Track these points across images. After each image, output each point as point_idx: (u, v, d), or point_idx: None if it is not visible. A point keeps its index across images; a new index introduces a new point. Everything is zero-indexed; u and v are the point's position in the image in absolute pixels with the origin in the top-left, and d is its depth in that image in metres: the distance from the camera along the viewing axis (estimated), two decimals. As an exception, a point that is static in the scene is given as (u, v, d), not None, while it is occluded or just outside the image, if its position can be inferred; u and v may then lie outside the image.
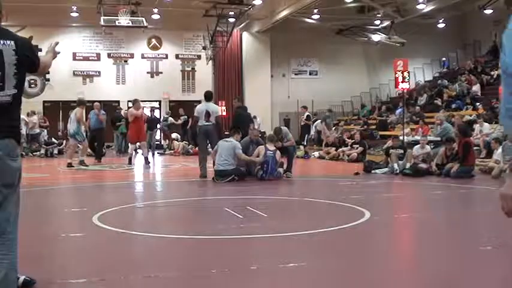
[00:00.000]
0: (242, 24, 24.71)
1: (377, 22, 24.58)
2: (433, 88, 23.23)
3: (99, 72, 25.50)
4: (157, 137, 22.50)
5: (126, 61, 25.81)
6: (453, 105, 20.26)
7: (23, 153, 18.99)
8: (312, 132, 21.08)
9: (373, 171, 12.33)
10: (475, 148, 12.58)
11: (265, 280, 4.10)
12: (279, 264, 4.38)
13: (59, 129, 23.75)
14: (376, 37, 25.20)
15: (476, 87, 20.71)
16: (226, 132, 14.03)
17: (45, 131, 20.77)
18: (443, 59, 27.34)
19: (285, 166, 11.46)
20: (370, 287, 4.00)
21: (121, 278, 4.12)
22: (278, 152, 10.93)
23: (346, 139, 17.66)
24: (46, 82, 24.89)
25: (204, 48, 24.74)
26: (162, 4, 22.37)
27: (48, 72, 24.98)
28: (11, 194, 3.08)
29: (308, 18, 23.72)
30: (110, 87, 25.49)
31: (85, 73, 25.38)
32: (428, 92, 22.92)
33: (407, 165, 11.84)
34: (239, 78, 26.55)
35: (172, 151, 20.34)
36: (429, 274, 4.15)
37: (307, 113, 20.70)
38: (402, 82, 14.57)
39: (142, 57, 25.99)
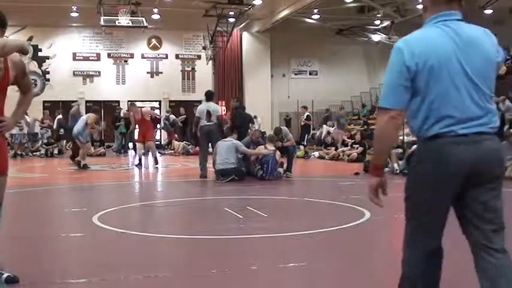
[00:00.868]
0: (242, 24, 24.70)
1: (377, 22, 24.58)
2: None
3: (99, 72, 25.50)
4: (157, 136, 22.50)
5: (126, 61, 25.81)
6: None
7: (23, 153, 19.02)
8: (323, 132, 20.55)
9: (373, 171, 12.30)
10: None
11: (265, 280, 4.10)
12: (279, 264, 4.38)
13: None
14: (376, 37, 25.21)
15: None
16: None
17: (49, 131, 20.77)
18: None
19: (285, 166, 11.47)
20: (370, 287, 4.00)
21: (121, 278, 4.12)
22: (278, 151, 10.93)
23: (346, 139, 17.66)
24: (46, 82, 24.91)
25: (204, 48, 24.74)
26: (162, 4, 22.37)
27: (49, 73, 25.04)
28: None
29: (308, 18, 23.72)
30: (110, 87, 25.50)
31: (85, 73, 25.38)
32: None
33: (408, 165, 11.84)
34: (239, 78, 26.55)
35: (172, 151, 20.34)
36: (429, 274, 4.15)
37: (307, 113, 20.70)
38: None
39: (142, 57, 25.99)
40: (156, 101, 26.24)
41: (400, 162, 12.08)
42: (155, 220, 7.06)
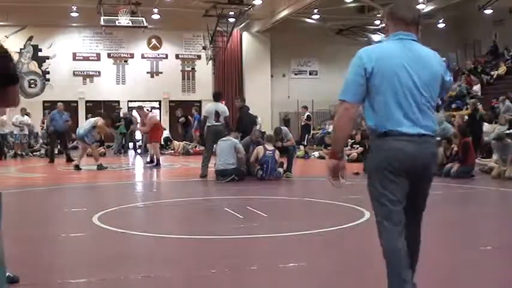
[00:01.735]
0: (242, 24, 24.71)
1: (377, 22, 24.57)
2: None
3: (99, 72, 25.50)
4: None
5: (126, 61, 25.81)
6: (453, 105, 20.27)
7: (23, 153, 19.01)
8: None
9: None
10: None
11: (265, 280, 4.10)
12: (279, 264, 4.38)
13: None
14: (376, 37, 25.18)
15: (476, 87, 20.71)
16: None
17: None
18: (443, 59, 27.21)
19: (285, 166, 11.46)
20: (370, 286, 4.00)
21: (121, 278, 4.12)
22: (277, 151, 10.92)
23: (346, 139, 17.61)
24: (46, 82, 24.91)
25: (204, 48, 24.74)
26: (162, 4, 22.38)
27: (49, 73, 25.04)
28: None
29: (308, 18, 23.73)
30: (110, 87, 25.50)
31: (85, 73, 25.38)
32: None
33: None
34: (239, 78, 26.55)
35: (172, 151, 20.33)
36: (429, 274, 4.15)
37: (307, 113, 20.69)
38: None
39: (142, 57, 25.99)
40: (156, 101, 26.25)
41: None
42: (155, 220, 7.05)
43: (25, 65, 24.54)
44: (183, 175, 12.94)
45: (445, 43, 26.81)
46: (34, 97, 24.14)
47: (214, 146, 11.33)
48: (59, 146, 18.06)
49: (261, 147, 10.99)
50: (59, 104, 17.33)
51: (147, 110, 17.03)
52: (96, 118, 14.60)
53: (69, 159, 15.92)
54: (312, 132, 21.80)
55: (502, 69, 21.71)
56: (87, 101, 25.25)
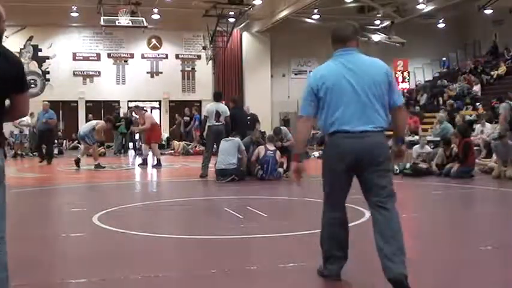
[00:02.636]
0: (242, 24, 24.70)
1: (377, 22, 24.57)
2: (433, 88, 23.23)
3: (99, 72, 25.51)
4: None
5: (126, 61, 25.82)
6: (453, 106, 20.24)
7: (23, 153, 19.03)
8: None
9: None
10: (475, 148, 12.57)
11: (265, 280, 4.10)
12: (279, 264, 4.38)
13: (59, 129, 23.74)
14: (376, 37, 25.18)
15: (476, 87, 20.72)
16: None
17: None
18: (443, 59, 27.32)
19: (285, 166, 11.46)
20: (370, 286, 4.00)
21: (121, 278, 4.12)
22: (278, 152, 10.93)
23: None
24: (46, 82, 24.91)
25: (204, 48, 24.74)
26: (162, 4, 22.38)
27: (49, 73, 25.03)
28: None
29: (308, 18, 23.72)
30: (110, 87, 25.50)
31: (85, 73, 25.39)
32: (429, 92, 22.92)
33: (407, 165, 11.83)
34: (239, 78, 26.55)
35: (172, 151, 20.33)
36: (429, 274, 4.15)
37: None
38: (402, 82, 14.57)
39: (142, 57, 26.00)
40: (156, 101, 26.26)
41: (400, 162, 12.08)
42: (155, 220, 7.05)
43: (25, 65, 24.51)
44: (183, 175, 12.94)
45: (445, 43, 26.83)
46: (34, 97, 24.12)
47: (215, 146, 11.33)
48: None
49: (262, 147, 10.99)
50: (44, 103, 17.31)
51: (145, 110, 17.01)
52: (97, 121, 14.72)
53: (43, 159, 15.87)
54: (311, 132, 21.78)
55: (502, 69, 21.72)
56: (87, 101, 25.26)
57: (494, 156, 11.93)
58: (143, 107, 17.73)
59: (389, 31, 24.45)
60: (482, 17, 23.55)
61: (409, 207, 7.97)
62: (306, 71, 27.46)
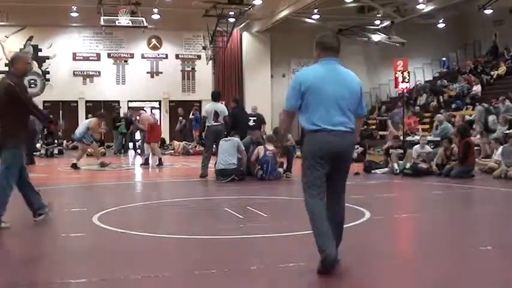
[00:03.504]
0: (242, 24, 24.69)
1: (377, 22, 24.55)
2: (433, 88, 23.23)
3: (99, 72, 25.50)
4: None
5: (126, 61, 25.81)
6: (453, 105, 20.27)
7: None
8: None
9: (373, 171, 12.33)
10: (475, 148, 12.58)
11: (265, 280, 4.10)
12: (279, 264, 4.38)
13: (59, 129, 23.74)
14: (376, 37, 25.17)
15: (476, 88, 20.72)
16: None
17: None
18: (443, 59, 27.32)
19: (285, 166, 11.47)
20: (370, 286, 4.00)
21: (121, 278, 4.12)
22: (275, 149, 10.92)
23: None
24: (46, 82, 24.90)
25: (204, 48, 24.72)
26: (162, 4, 22.37)
27: (49, 73, 25.03)
28: None
29: (308, 18, 23.70)
30: (110, 87, 25.49)
31: (85, 73, 25.37)
32: (428, 92, 22.92)
33: (407, 165, 11.84)
34: (239, 78, 26.54)
35: (172, 151, 20.33)
36: (429, 274, 4.16)
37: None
38: (402, 82, 14.55)
39: (142, 57, 25.99)
40: (156, 101, 26.25)
41: (400, 162, 12.08)
42: (155, 220, 7.05)
43: (25, 65, 24.52)
44: (183, 175, 12.95)
45: (445, 43, 26.82)
46: (34, 97, 24.06)
47: (214, 146, 11.34)
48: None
49: (261, 147, 11.00)
50: None
51: (143, 110, 16.97)
52: (89, 120, 14.72)
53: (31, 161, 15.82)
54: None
55: (502, 69, 21.71)
56: (87, 101, 25.25)
57: (494, 156, 11.94)
58: (142, 107, 17.69)
59: (389, 31, 24.43)
60: (482, 17, 23.54)
61: (409, 207, 7.98)
62: (306, 71, 27.48)
